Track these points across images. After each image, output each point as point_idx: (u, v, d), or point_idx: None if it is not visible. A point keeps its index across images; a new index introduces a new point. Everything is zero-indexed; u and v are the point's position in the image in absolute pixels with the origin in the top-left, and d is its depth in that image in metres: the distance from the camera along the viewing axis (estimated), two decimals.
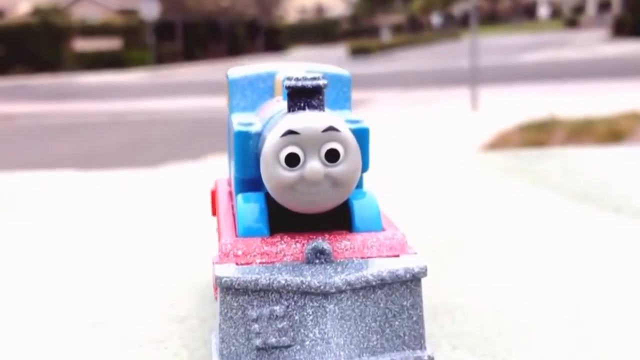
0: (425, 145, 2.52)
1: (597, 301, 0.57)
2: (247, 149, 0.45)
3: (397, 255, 0.42)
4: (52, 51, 10.89)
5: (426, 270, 0.41)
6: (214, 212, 0.58)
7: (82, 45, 11.37)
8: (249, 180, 0.46)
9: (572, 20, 18.92)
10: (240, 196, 0.45)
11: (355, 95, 0.55)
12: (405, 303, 0.41)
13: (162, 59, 11.50)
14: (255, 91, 0.53)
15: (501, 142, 2.61)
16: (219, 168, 0.61)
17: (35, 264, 0.70)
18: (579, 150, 1.38)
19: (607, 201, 0.89)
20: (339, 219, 0.44)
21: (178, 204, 0.95)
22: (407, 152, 2.13)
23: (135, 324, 0.53)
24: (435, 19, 19.99)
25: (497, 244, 0.73)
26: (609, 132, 2.57)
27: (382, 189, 0.61)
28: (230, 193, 0.55)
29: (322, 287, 0.38)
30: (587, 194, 0.93)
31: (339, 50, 11.85)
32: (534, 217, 0.84)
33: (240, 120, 0.47)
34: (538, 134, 2.65)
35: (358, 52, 11.41)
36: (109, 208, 0.94)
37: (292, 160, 0.41)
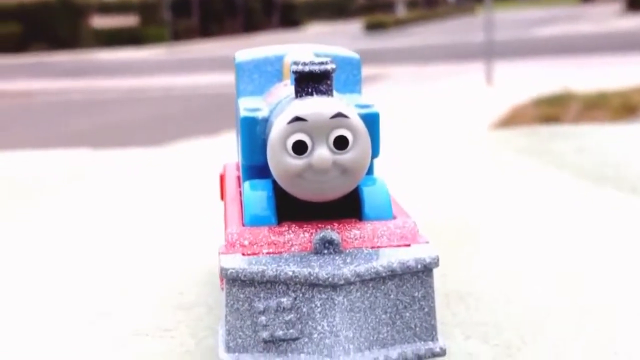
0: (438, 123, 2.50)
1: (611, 286, 0.56)
2: (253, 135, 0.44)
3: (408, 245, 0.41)
4: (69, 28, 10.88)
5: (438, 260, 0.40)
6: (223, 197, 0.57)
7: (100, 22, 11.35)
8: (257, 166, 0.45)
9: None
10: (247, 183, 0.44)
11: (370, 70, 0.54)
12: (416, 294, 0.40)
13: (179, 35, 11.47)
14: (263, 75, 0.51)
15: (515, 117, 2.59)
16: (233, 145, 0.60)
17: (41, 248, 0.69)
18: (594, 127, 1.36)
19: (623, 181, 0.88)
20: (349, 207, 0.43)
21: (190, 185, 0.94)
22: (419, 131, 2.11)
23: (143, 313, 0.52)
24: None
25: (510, 228, 0.71)
26: (623, 105, 2.56)
27: (391, 171, 0.60)
28: (238, 178, 0.54)
29: (330, 279, 0.37)
30: (602, 174, 0.92)
31: (355, 26, 11.77)
32: (548, 199, 0.82)
33: (247, 106, 0.46)
34: (552, 108, 2.63)
35: (373, 27, 11.32)
36: (120, 190, 0.94)
37: (300, 148, 0.40)
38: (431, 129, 2.17)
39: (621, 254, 0.63)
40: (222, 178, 0.58)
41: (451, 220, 0.75)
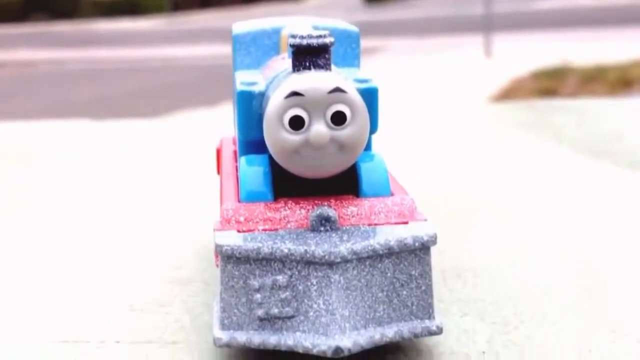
0: (436, 96, 2.48)
1: (612, 262, 0.55)
2: (250, 110, 0.44)
3: (406, 222, 0.41)
4: None
5: (436, 238, 0.39)
6: (219, 171, 0.57)
7: None
8: (253, 141, 0.44)
9: None
10: (243, 159, 0.43)
11: (369, 43, 0.53)
12: (413, 272, 0.39)
13: (178, 5, 11.40)
14: (260, 48, 0.51)
15: (514, 90, 2.58)
16: (231, 117, 0.60)
17: (35, 222, 0.69)
18: (593, 101, 1.35)
19: (621, 156, 0.87)
20: (346, 183, 0.43)
21: (188, 157, 0.93)
22: (417, 104, 2.10)
23: (138, 287, 0.51)
24: None
25: (509, 203, 0.71)
26: (620, 79, 2.56)
27: (388, 144, 0.60)
28: (235, 152, 0.54)
29: (326, 257, 0.37)
30: (601, 148, 0.91)
31: None
32: (547, 173, 0.82)
33: (244, 79, 0.45)
34: (550, 81, 2.63)
35: (372, 0, 11.24)
36: (118, 161, 0.93)
37: (297, 123, 0.39)
38: (429, 102, 2.16)
39: (620, 230, 0.63)
40: (218, 152, 0.58)
41: (449, 194, 0.74)
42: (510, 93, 2.53)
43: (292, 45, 0.41)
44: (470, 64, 3.75)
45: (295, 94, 0.39)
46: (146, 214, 0.70)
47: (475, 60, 3.91)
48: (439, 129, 1.11)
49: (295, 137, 0.39)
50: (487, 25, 4.15)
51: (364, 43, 0.53)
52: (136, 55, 5.22)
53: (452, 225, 0.64)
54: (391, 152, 0.48)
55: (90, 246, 0.61)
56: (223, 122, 0.91)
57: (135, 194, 0.78)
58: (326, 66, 0.41)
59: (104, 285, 0.52)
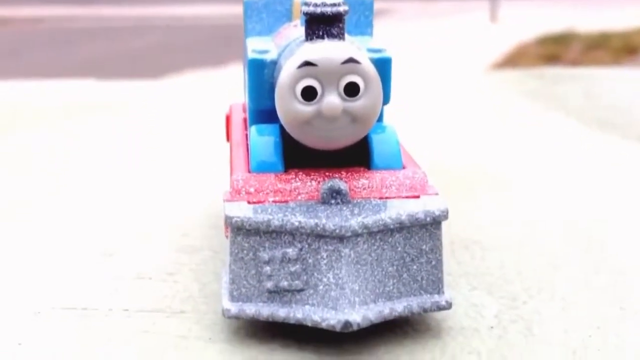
0: (440, 62, 2.46)
1: (621, 237, 0.55)
2: (261, 78, 0.43)
3: (417, 196, 0.40)
4: None
5: (447, 213, 0.39)
6: (228, 138, 0.56)
7: None
8: (264, 110, 0.44)
9: None
10: (254, 128, 0.43)
11: (376, 5, 0.52)
12: (424, 247, 0.39)
13: None
14: (272, 14, 0.50)
15: (519, 55, 2.56)
16: (240, 78, 0.59)
17: (42, 187, 0.68)
18: (600, 71, 1.33)
19: (630, 129, 0.86)
20: (357, 155, 0.42)
21: (196, 121, 0.93)
22: (423, 70, 2.08)
23: (147, 254, 0.51)
24: None
25: (517, 176, 0.71)
26: (624, 46, 2.55)
27: (395, 114, 0.59)
28: (244, 120, 0.53)
29: (337, 231, 0.36)
30: (609, 120, 0.90)
31: None
32: (554, 146, 0.81)
33: (255, 47, 0.44)
34: (555, 47, 2.61)
35: None
36: (125, 125, 0.93)
37: (309, 94, 0.38)
38: (434, 69, 2.13)
39: (629, 204, 0.62)
40: (228, 119, 0.57)
41: (455, 166, 0.74)
42: (515, 58, 2.51)
43: (305, 14, 0.40)
44: (475, 28, 3.71)
45: (308, 63, 0.38)
46: (153, 180, 0.70)
47: (480, 25, 3.87)
48: (444, 99, 1.11)
49: (307, 108, 0.39)
50: None
51: None
52: (145, 13, 5.18)
53: (460, 196, 0.64)
54: (397, 122, 0.47)
55: (97, 213, 0.61)
56: (232, 83, 0.90)
57: (142, 158, 0.77)
58: (340, 35, 0.41)
59: (111, 252, 0.52)
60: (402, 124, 0.53)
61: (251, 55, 0.43)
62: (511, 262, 0.51)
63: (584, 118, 0.92)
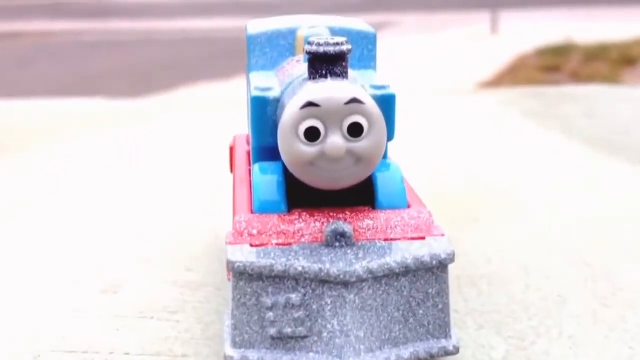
0: (441, 76, 2.46)
1: (628, 267, 0.54)
2: (264, 116, 0.42)
3: (423, 238, 0.39)
4: None
5: (454, 255, 0.38)
6: (232, 169, 0.56)
7: None
8: (267, 147, 0.43)
9: None
10: (257, 167, 0.42)
11: (378, 18, 0.51)
12: (430, 291, 0.38)
13: None
14: (276, 48, 0.49)
15: (518, 67, 2.57)
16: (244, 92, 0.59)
17: (43, 212, 0.68)
18: (602, 89, 1.32)
19: (635, 152, 0.86)
20: (362, 193, 0.42)
21: (203, 144, 0.92)
22: (422, 84, 2.08)
23: (149, 291, 0.51)
24: None
25: (521, 202, 0.70)
26: (623, 57, 2.55)
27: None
28: (248, 153, 0.52)
29: (342, 276, 0.36)
30: (614, 143, 0.90)
31: None
32: (558, 170, 0.80)
33: (258, 84, 0.44)
34: (554, 58, 2.62)
35: None
36: (131, 147, 0.92)
37: (312, 135, 0.38)
38: (435, 82, 2.13)
39: (636, 233, 0.61)
40: (231, 150, 0.57)
41: (457, 190, 0.73)
42: (515, 69, 2.52)
43: (308, 53, 0.40)
44: (476, 41, 3.72)
45: (311, 104, 0.38)
46: (157, 207, 0.69)
47: (481, 37, 3.87)
48: (445, 117, 1.10)
49: (310, 149, 0.38)
50: (495, 2, 4.12)
51: (371, 18, 0.51)
52: (155, 27, 5.19)
53: (463, 225, 0.63)
54: (393, 144, 0.46)
55: (99, 244, 0.60)
56: (237, 97, 0.89)
57: (148, 183, 0.77)
58: (343, 74, 0.40)
59: (113, 287, 0.51)
60: (400, 147, 0.52)
61: (254, 92, 0.42)
62: (518, 295, 0.50)
63: (587, 141, 0.91)
